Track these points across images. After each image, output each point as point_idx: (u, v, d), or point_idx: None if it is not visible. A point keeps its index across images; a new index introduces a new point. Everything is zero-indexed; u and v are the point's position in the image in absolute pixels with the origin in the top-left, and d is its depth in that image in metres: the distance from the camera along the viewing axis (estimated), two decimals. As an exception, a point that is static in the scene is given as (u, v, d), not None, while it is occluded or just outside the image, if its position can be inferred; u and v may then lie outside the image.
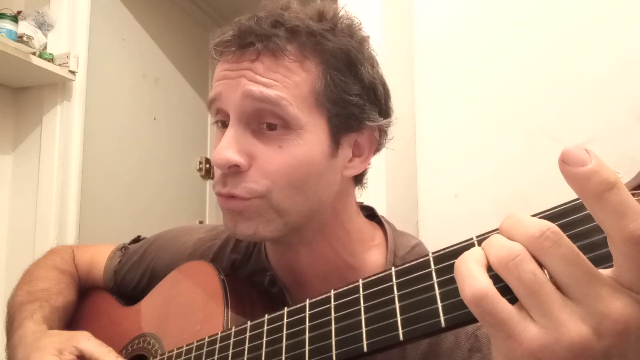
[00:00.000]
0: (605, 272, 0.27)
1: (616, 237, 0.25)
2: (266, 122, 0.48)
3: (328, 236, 0.55)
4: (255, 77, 0.47)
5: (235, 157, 0.47)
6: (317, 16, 0.51)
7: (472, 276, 0.27)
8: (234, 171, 0.48)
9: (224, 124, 0.51)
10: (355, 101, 0.50)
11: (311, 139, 0.49)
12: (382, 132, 0.55)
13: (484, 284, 0.27)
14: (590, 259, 0.27)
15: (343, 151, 0.52)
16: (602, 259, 0.28)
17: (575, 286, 0.26)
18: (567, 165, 0.25)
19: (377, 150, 0.56)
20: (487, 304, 0.27)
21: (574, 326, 0.26)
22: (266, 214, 0.49)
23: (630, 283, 0.25)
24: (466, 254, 0.29)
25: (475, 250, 0.29)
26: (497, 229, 0.31)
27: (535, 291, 0.26)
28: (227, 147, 0.47)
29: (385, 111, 0.55)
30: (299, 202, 0.50)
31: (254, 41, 0.47)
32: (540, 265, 0.27)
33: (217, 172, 0.50)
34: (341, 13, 0.52)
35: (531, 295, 0.26)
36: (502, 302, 0.27)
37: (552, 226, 0.27)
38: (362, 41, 0.53)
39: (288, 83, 0.48)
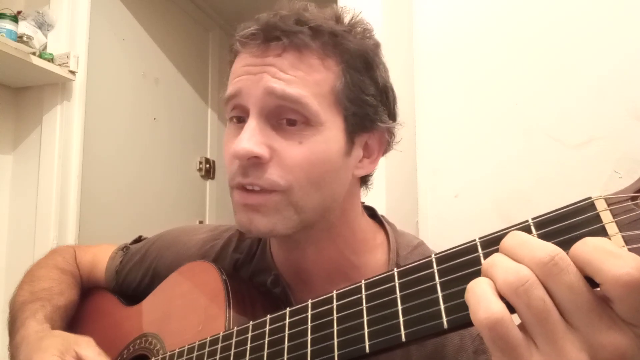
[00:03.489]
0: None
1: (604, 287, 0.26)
2: (286, 118, 0.48)
3: (334, 235, 0.55)
4: (278, 73, 0.48)
5: (256, 148, 0.47)
6: (335, 19, 0.52)
7: (487, 299, 0.27)
8: (253, 162, 0.48)
9: (239, 119, 0.52)
10: (371, 101, 0.51)
11: (330, 136, 0.49)
12: (391, 134, 0.56)
13: (500, 309, 0.27)
14: None
15: (355, 151, 0.53)
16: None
17: (577, 314, 0.26)
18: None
19: (386, 151, 0.57)
20: (501, 329, 0.27)
21: (574, 355, 0.26)
22: (284, 211, 0.49)
23: (628, 319, 0.26)
24: (480, 278, 0.29)
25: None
26: (500, 231, 0.31)
27: (544, 319, 0.26)
28: (249, 139, 0.47)
29: (393, 115, 0.56)
30: (315, 200, 0.50)
31: (280, 36, 0.48)
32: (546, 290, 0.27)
33: (234, 165, 0.50)
34: (357, 18, 0.54)
35: (539, 323, 0.27)
36: (515, 329, 0.27)
37: (560, 252, 0.27)
38: (377, 46, 0.54)
39: (309, 81, 0.48)
